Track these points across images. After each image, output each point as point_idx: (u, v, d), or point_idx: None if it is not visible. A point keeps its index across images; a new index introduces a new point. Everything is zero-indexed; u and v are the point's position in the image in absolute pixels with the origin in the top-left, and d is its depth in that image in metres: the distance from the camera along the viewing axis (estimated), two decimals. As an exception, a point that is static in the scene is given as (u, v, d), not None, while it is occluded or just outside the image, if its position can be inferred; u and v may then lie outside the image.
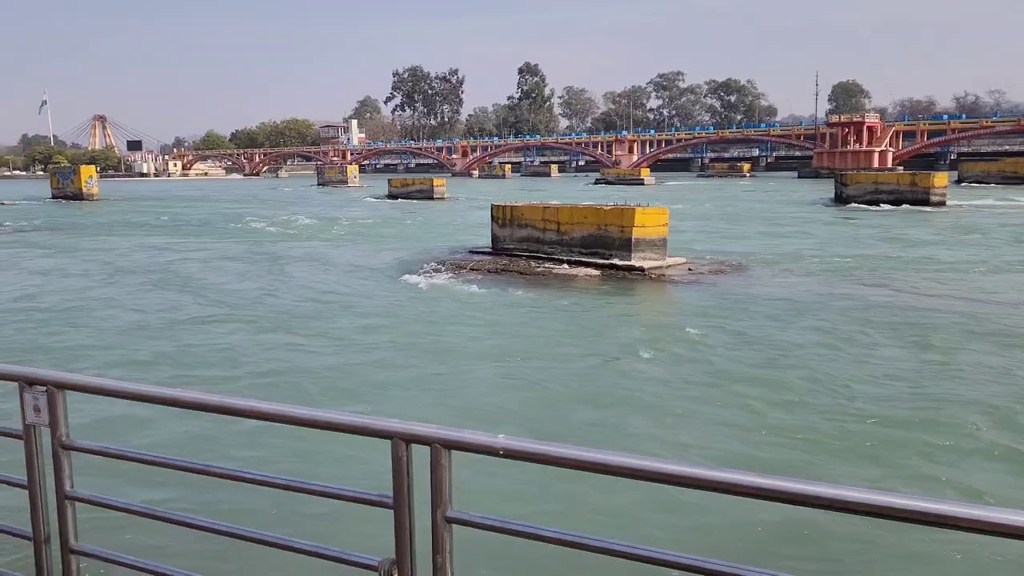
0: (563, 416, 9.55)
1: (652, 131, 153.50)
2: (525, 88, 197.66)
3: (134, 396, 3.48)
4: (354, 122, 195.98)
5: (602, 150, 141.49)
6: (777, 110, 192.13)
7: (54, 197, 71.82)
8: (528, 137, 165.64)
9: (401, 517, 2.92)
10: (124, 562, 3.64)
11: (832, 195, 53.12)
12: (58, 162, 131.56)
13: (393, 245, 29.22)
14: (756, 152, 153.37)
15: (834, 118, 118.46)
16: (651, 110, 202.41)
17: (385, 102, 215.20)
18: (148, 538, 4.63)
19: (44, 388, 3.67)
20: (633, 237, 21.24)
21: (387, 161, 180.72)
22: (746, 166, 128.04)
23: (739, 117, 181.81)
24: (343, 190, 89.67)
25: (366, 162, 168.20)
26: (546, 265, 22.10)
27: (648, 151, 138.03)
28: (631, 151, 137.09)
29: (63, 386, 3.66)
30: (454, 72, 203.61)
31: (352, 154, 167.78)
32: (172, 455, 3.45)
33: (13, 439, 3.83)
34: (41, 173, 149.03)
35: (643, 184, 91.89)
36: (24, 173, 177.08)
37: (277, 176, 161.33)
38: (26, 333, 14.45)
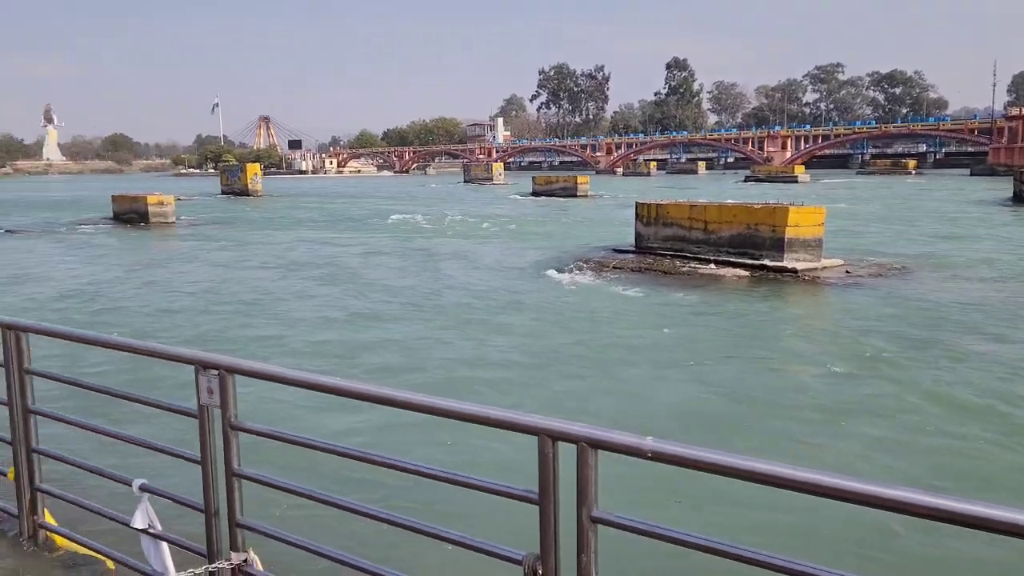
0: (713, 423, 9.28)
1: (807, 126, 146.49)
2: (672, 83, 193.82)
3: (298, 383, 3.67)
4: (500, 120, 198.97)
5: (753, 146, 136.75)
6: (948, 103, 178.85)
7: (223, 193, 77.31)
8: (675, 134, 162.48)
9: (546, 513, 2.92)
10: (284, 538, 3.86)
11: (1011, 194, 49.02)
12: (227, 160, 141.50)
13: (537, 242, 29.46)
14: (923, 148, 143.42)
15: (1014, 110, 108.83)
16: (807, 104, 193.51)
17: (530, 100, 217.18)
18: (305, 517, 4.89)
19: (216, 372, 3.93)
20: (786, 237, 20.40)
21: (531, 159, 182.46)
22: (911, 163, 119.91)
23: (904, 111, 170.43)
24: (488, 187, 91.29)
25: (511, 160, 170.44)
26: (692, 265, 21.61)
27: (803, 147, 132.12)
28: (784, 147, 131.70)
29: (233, 370, 3.91)
30: (600, 69, 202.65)
31: (497, 152, 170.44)
32: (330, 440, 3.61)
33: (189, 418, 4.15)
34: (212, 171, 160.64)
35: (797, 182, 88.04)
36: (198, 171, 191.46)
37: (425, 173, 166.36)
38: (208, 321, 15.43)
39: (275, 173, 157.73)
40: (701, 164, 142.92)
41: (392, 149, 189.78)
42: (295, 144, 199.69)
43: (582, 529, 2.82)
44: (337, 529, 4.95)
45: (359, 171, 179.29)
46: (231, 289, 19.49)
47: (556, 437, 2.87)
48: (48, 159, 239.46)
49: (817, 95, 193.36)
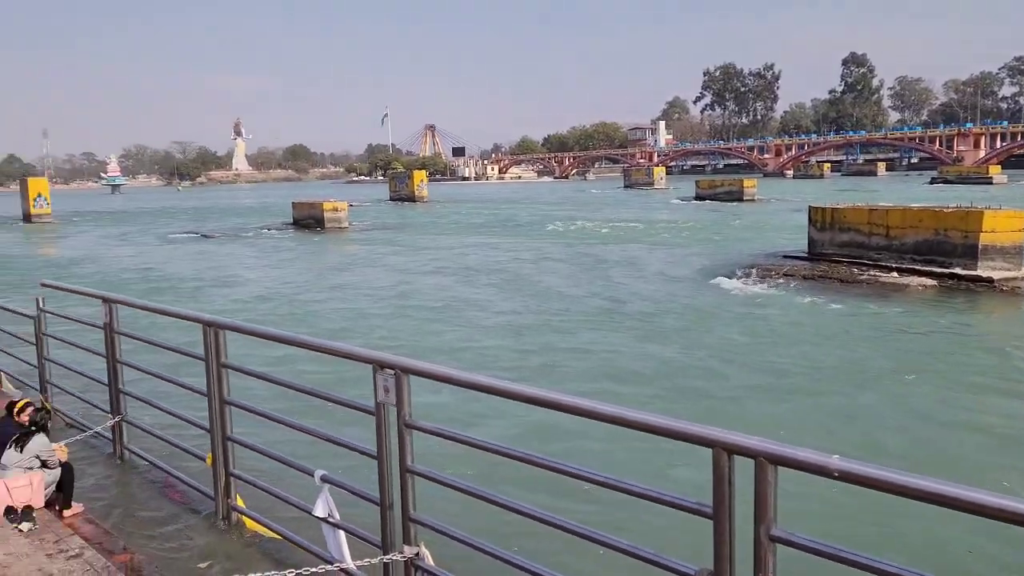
0: (907, 449, 8.61)
1: (1004, 123, 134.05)
2: (849, 80, 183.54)
3: (470, 384, 3.75)
4: (661, 123, 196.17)
5: (940, 145, 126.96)
6: None
7: (391, 199, 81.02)
8: (851, 133, 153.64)
9: (721, 529, 2.82)
10: (454, 535, 3.96)
11: None
12: (395, 168, 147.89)
13: (702, 248, 28.77)
14: None
15: None
16: (1004, 99, 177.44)
17: (694, 102, 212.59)
18: (474, 516, 4.99)
19: (393, 372, 4.09)
20: (980, 243, 18.76)
21: (694, 162, 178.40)
22: None
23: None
24: (649, 192, 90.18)
25: (672, 163, 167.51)
26: (871, 273, 20.32)
27: (999, 145, 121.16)
28: (977, 146, 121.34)
29: (408, 371, 4.06)
30: (769, 67, 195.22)
31: (658, 156, 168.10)
32: (499, 442, 3.66)
33: (366, 415, 4.35)
34: (381, 178, 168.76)
35: (991, 183, 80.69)
36: (368, 178, 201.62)
37: (585, 179, 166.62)
38: (402, 327, 15.80)
39: (439, 179, 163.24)
40: (881, 165, 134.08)
41: (552, 155, 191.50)
42: (458, 151, 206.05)
43: (760, 547, 2.70)
44: (504, 529, 5.02)
45: (519, 177, 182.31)
46: (416, 295, 19.99)
47: (733, 451, 2.77)
48: (237, 169, 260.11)
49: (1016, 88, 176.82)
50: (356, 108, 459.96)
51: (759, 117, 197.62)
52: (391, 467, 4.21)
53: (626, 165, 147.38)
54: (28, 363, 8.85)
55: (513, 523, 4.04)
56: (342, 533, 4.63)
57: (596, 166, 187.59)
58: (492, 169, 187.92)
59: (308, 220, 46.41)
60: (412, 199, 77.51)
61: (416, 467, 4.06)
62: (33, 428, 5.85)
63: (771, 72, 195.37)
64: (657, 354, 12.71)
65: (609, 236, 35.17)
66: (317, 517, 4.70)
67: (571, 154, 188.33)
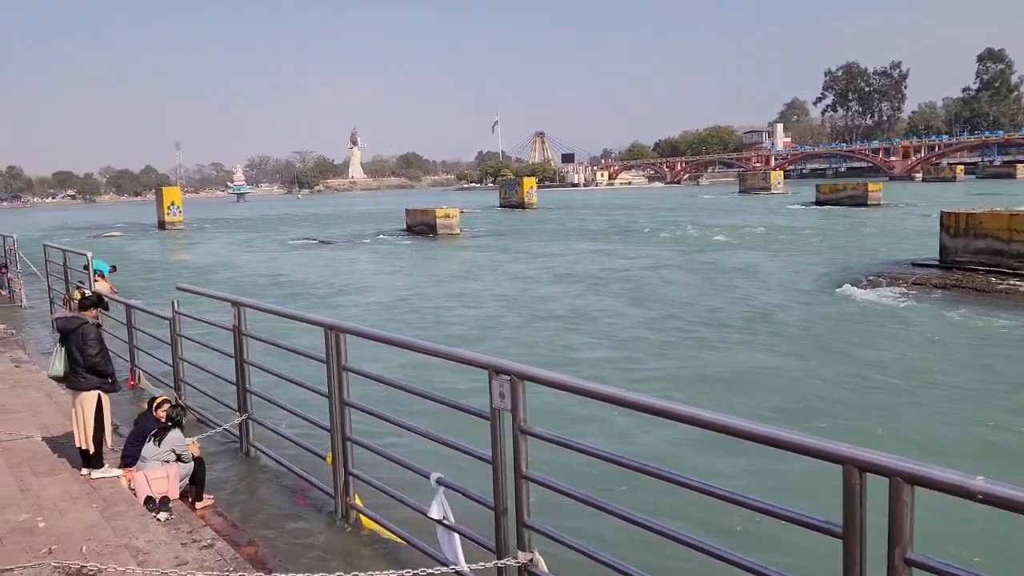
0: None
1: None
2: (985, 77, 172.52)
3: (586, 392, 3.73)
4: (779, 126, 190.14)
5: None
6: None
7: (501, 206, 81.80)
8: (988, 134, 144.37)
9: (851, 549, 2.70)
10: (568, 542, 3.93)
11: None
12: (505, 175, 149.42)
13: (824, 255, 27.65)
14: None
15: None
16: None
17: (814, 103, 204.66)
18: (588, 524, 4.95)
19: (508, 377, 4.11)
20: None
21: (814, 166, 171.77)
22: None
23: None
24: (765, 197, 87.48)
25: (791, 167, 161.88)
26: (1011, 282, 18.99)
27: None
28: None
29: (524, 377, 4.07)
30: (896, 65, 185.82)
31: (776, 159, 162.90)
32: (615, 450, 3.62)
33: (481, 420, 4.39)
34: (491, 185, 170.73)
35: None
36: (478, 185, 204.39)
37: (697, 184, 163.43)
38: (536, 339, 15.13)
39: (548, 186, 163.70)
40: (1020, 167, 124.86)
41: (663, 160, 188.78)
42: (568, 158, 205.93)
43: (893, 570, 2.57)
44: (620, 539, 4.95)
45: (630, 183, 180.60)
46: (542, 303, 19.58)
47: (865, 468, 2.64)
48: (352, 177, 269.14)
49: None
50: (467, 116, 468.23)
51: (885, 118, 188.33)
52: (505, 472, 4.23)
53: (741, 169, 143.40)
54: (164, 362, 9.42)
55: (629, 533, 3.98)
56: (456, 536, 4.69)
57: (709, 171, 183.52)
58: (601, 175, 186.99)
59: (421, 226, 47.44)
60: (522, 206, 78.06)
61: (531, 473, 4.06)
62: (170, 424, 6.21)
63: (898, 70, 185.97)
64: (804, 369, 12.03)
65: (726, 243, 34.23)
66: (432, 519, 4.77)
67: (683, 159, 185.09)
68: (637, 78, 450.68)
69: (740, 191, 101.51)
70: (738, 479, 7.10)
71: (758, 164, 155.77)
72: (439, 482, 4.78)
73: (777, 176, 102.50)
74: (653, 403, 3.39)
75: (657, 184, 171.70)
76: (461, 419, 4.63)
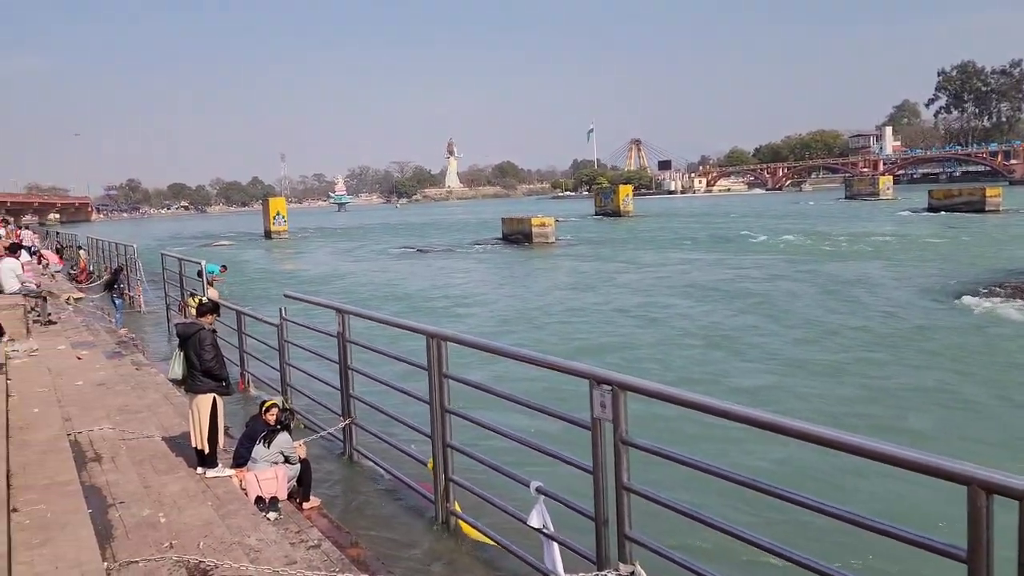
0: None
1: None
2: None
3: (690, 404, 3.66)
4: (888, 129, 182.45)
5: None
6: None
7: (597, 214, 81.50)
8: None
9: (976, 573, 2.56)
10: (671, 556, 3.87)
11: None
12: (600, 183, 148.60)
13: (938, 264, 26.35)
14: None
15: None
16: None
17: (926, 105, 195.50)
18: (692, 538, 4.86)
19: (610, 387, 4.08)
20: None
21: (925, 170, 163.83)
22: None
23: None
24: (873, 203, 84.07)
25: (900, 172, 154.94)
26: None
27: None
28: None
29: (626, 387, 4.03)
30: (1016, 64, 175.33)
31: (884, 164, 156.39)
32: (722, 465, 3.54)
33: (582, 429, 4.37)
34: (586, 193, 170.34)
35: None
36: (573, 193, 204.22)
37: (800, 190, 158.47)
38: (680, 361, 14.19)
39: (644, 194, 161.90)
40: None
41: (764, 166, 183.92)
42: (664, 164, 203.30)
43: (1025, 600, 2.41)
44: (725, 555, 4.85)
45: (728, 189, 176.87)
46: (669, 319, 18.41)
47: (991, 490, 2.50)
48: (449, 186, 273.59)
49: None
50: (562, 125, 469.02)
51: (1004, 119, 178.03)
52: (606, 483, 4.20)
53: (847, 175, 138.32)
54: (272, 367, 9.79)
55: (733, 549, 3.89)
56: (556, 545, 4.68)
57: (813, 177, 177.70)
58: (699, 182, 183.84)
59: (516, 235, 47.75)
60: (617, 214, 77.55)
61: (633, 484, 4.02)
62: (279, 427, 6.44)
63: (1019, 69, 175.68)
64: (963, 392, 11.35)
65: (835, 252, 32.82)
66: (532, 527, 4.78)
67: (785, 164, 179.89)
68: (736, 83, 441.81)
69: (846, 197, 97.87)
70: (852, 497, 6.82)
71: (865, 169, 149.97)
72: (539, 491, 4.78)
73: (886, 181, 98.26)
74: (760, 416, 3.30)
75: (757, 191, 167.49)
76: (561, 428, 4.63)
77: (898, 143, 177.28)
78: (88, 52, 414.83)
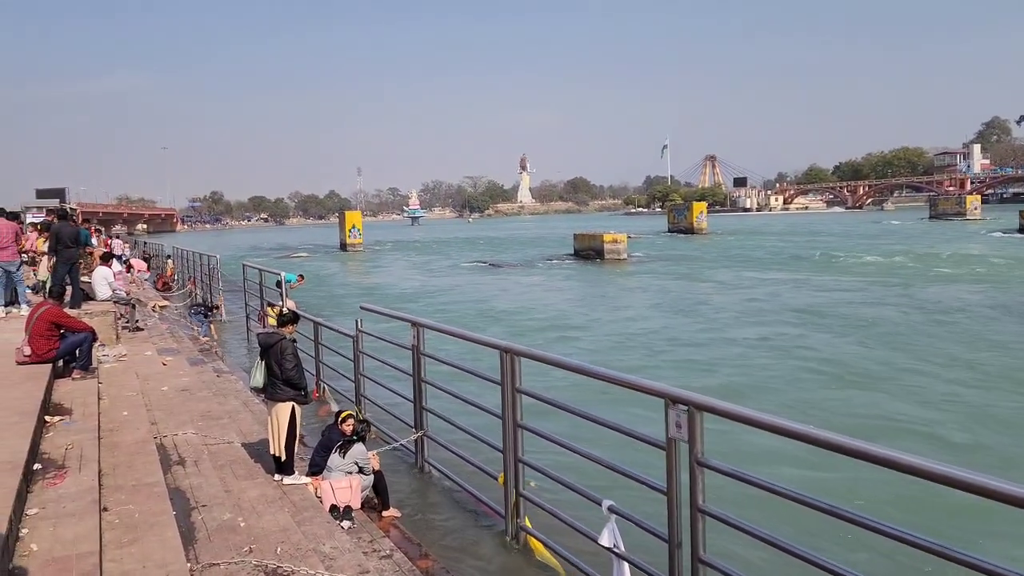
0: None
1: None
2: None
3: (769, 427, 3.59)
4: (975, 147, 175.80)
5: None
6: None
7: (670, 231, 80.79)
8: None
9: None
10: (747, 584, 3.78)
11: None
12: (673, 200, 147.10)
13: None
14: None
15: None
16: None
17: (1018, 122, 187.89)
18: (771, 565, 4.73)
19: (685, 407, 4.03)
20: None
21: (1016, 190, 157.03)
22: None
23: None
24: (959, 223, 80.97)
25: (989, 191, 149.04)
26: None
27: None
28: None
29: (702, 407, 3.97)
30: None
31: (972, 182, 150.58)
32: (803, 491, 3.45)
33: (656, 449, 4.32)
34: (659, 209, 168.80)
35: None
36: (645, 210, 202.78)
37: (881, 208, 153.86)
38: (791, 390, 13.36)
39: (719, 211, 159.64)
40: None
41: (844, 184, 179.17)
42: (740, 181, 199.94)
43: None
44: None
45: (806, 207, 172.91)
46: (787, 347, 17.17)
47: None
48: (521, 201, 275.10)
49: None
50: (635, 140, 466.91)
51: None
52: (680, 504, 4.14)
53: (932, 194, 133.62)
54: (347, 377, 9.97)
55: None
56: (627, 566, 4.63)
57: (895, 195, 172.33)
58: (776, 199, 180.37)
59: (588, 251, 47.65)
60: (691, 231, 76.71)
61: (708, 507, 3.95)
62: (355, 437, 6.56)
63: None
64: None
65: (929, 274, 31.34)
66: (603, 547, 4.74)
67: (866, 182, 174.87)
68: (815, 100, 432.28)
69: (931, 217, 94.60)
70: (940, 529, 6.54)
71: (951, 188, 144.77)
72: (611, 510, 4.75)
73: (973, 201, 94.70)
74: (842, 441, 3.21)
75: (837, 209, 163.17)
76: (635, 447, 4.58)
77: (987, 161, 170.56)
78: (181, 70, 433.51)
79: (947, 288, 26.59)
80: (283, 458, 6.46)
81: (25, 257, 14.53)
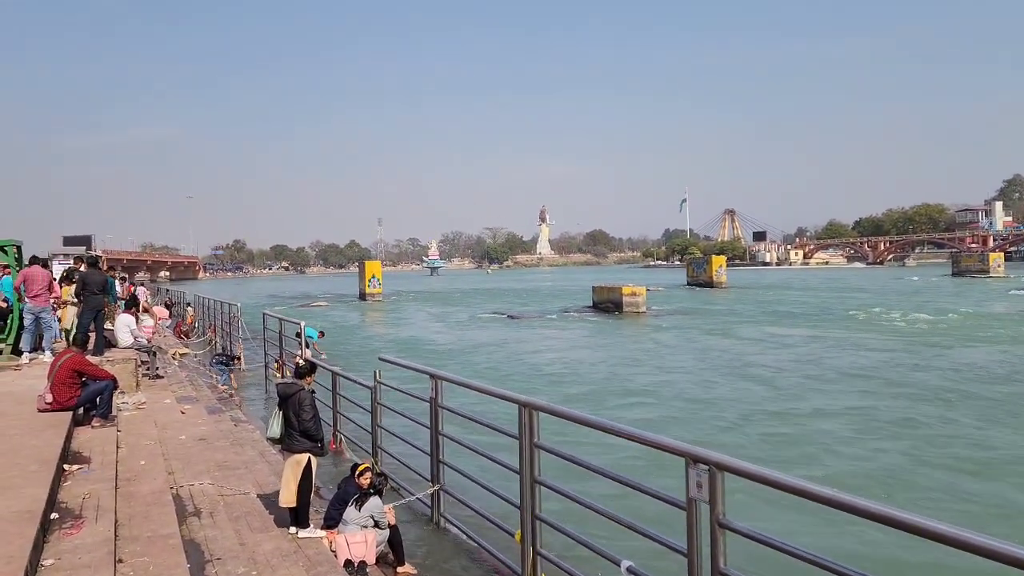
0: None
1: None
2: None
3: (792, 489, 3.53)
4: (998, 204, 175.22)
5: None
6: None
7: (689, 284, 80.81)
8: None
9: None
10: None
11: None
12: (692, 253, 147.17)
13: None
14: None
15: None
16: None
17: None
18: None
19: (707, 467, 3.98)
20: None
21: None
22: None
23: None
24: (983, 281, 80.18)
25: (1012, 249, 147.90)
26: None
27: None
28: None
29: (723, 468, 3.92)
30: None
31: (995, 240, 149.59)
32: (831, 558, 3.36)
33: (676, 509, 4.25)
34: (678, 263, 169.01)
35: None
36: (665, 263, 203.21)
37: (903, 265, 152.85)
38: (862, 463, 12.22)
39: (738, 265, 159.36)
40: None
41: (865, 239, 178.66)
42: (759, 235, 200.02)
43: None
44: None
45: (827, 262, 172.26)
46: (846, 409, 16.13)
47: None
48: (540, 253, 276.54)
49: None
50: (655, 193, 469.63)
51: None
52: (701, 567, 4.05)
53: (953, 251, 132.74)
54: (364, 428, 9.94)
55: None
56: (647, 630, 4.52)
57: (916, 251, 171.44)
58: (796, 254, 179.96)
59: (607, 303, 47.57)
60: (710, 284, 76.65)
61: (730, 570, 3.87)
62: (371, 491, 6.51)
63: None
64: None
65: (958, 334, 30.37)
66: (622, 609, 4.64)
67: (887, 238, 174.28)
68: (834, 155, 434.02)
69: (953, 274, 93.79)
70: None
71: (973, 245, 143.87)
72: (630, 571, 4.66)
73: (996, 258, 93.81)
74: (868, 507, 3.14)
75: (857, 264, 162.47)
76: (654, 507, 4.51)
77: (1009, 219, 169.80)
78: (205, 121, 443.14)
79: (968, 349, 25.79)
80: (298, 510, 6.41)
81: (54, 304, 14.72)
